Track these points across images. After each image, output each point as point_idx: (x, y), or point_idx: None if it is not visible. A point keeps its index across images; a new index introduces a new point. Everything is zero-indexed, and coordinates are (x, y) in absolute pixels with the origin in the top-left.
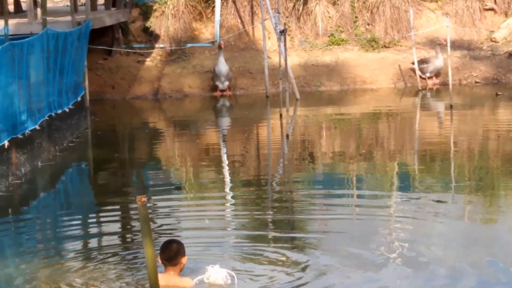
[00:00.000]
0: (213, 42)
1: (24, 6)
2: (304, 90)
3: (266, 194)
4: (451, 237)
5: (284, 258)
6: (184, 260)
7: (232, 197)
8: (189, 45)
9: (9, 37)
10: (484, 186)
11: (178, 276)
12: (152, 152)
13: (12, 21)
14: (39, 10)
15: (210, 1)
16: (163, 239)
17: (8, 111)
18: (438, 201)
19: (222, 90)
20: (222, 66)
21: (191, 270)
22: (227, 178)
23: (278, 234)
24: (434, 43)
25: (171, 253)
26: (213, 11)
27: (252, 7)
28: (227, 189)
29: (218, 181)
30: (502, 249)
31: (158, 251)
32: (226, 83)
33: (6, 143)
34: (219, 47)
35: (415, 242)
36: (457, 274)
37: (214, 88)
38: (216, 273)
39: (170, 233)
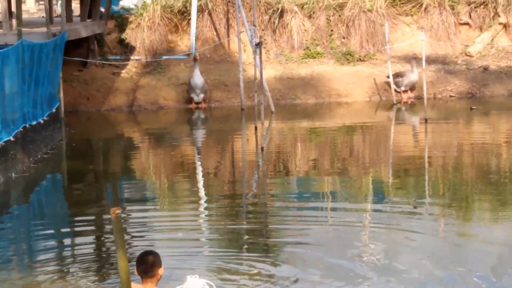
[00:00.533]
0: (188, 55)
1: None
2: (279, 103)
3: (240, 206)
4: (425, 248)
5: (256, 271)
6: (161, 271)
7: (207, 209)
8: (164, 57)
9: None
10: (458, 198)
11: (156, 286)
12: (126, 164)
13: None
14: (14, 21)
15: (185, 14)
16: (138, 250)
17: None
18: (412, 213)
19: (197, 103)
20: (198, 79)
21: (169, 280)
22: (202, 190)
23: (253, 246)
24: (410, 57)
25: (147, 265)
26: (188, 23)
27: (227, 20)
28: (201, 201)
29: (193, 193)
30: (477, 259)
31: (134, 263)
32: (202, 95)
33: None
34: (194, 59)
35: (389, 252)
36: (432, 284)
37: (189, 100)
38: (194, 283)
39: (145, 245)
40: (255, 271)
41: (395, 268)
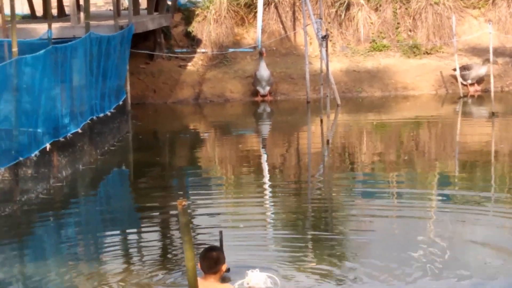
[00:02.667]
0: (255, 47)
1: (67, 10)
2: (345, 96)
3: (305, 199)
4: (491, 245)
5: (313, 264)
6: (224, 267)
7: (272, 202)
8: (230, 50)
9: (53, 40)
10: None
11: (218, 282)
12: (193, 156)
13: (55, 25)
14: (82, 14)
15: (252, 6)
16: (204, 240)
17: (51, 114)
18: (479, 207)
19: (263, 95)
20: (264, 71)
21: (231, 274)
22: (267, 183)
23: (317, 238)
24: (483, 55)
25: (211, 261)
26: (255, 16)
27: (294, 13)
28: (267, 194)
29: (258, 185)
30: None
31: (198, 258)
32: (267, 88)
33: (48, 146)
34: (260, 54)
35: (454, 248)
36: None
37: (255, 93)
38: (256, 277)
39: (211, 237)
40: (313, 263)
41: (459, 263)
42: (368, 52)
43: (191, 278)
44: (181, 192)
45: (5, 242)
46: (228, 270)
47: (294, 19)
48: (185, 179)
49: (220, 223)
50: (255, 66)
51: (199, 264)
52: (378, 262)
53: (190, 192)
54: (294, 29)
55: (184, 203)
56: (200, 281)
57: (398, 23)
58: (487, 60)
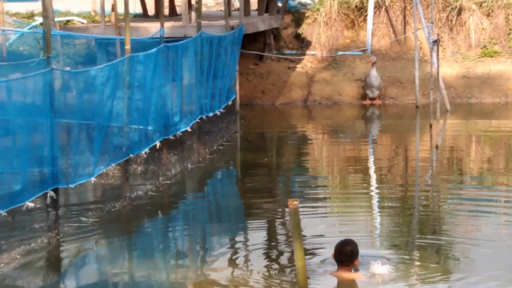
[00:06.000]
0: (364, 51)
1: (178, 9)
2: (454, 101)
3: (412, 204)
4: None
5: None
6: (357, 262)
7: (378, 205)
8: (340, 52)
9: (164, 39)
10: None
11: (350, 272)
12: (300, 158)
13: (167, 24)
14: (193, 14)
15: (362, 10)
16: (312, 243)
17: (161, 112)
18: None
19: (372, 99)
20: (374, 80)
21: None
22: (373, 186)
23: (425, 242)
24: None
25: (346, 256)
26: (365, 19)
27: (404, 17)
28: (373, 197)
29: (364, 188)
30: None
31: (334, 249)
32: (376, 92)
33: (158, 143)
34: (372, 64)
35: None
36: None
37: (364, 96)
38: (379, 266)
39: (319, 239)
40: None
41: None
42: (479, 57)
43: (300, 277)
44: (288, 193)
45: (114, 238)
46: None
47: (405, 23)
48: (291, 180)
49: (328, 225)
50: (364, 69)
51: (332, 255)
52: (485, 269)
53: (296, 193)
54: (405, 33)
55: (295, 202)
56: (333, 273)
57: (510, 29)
58: None
